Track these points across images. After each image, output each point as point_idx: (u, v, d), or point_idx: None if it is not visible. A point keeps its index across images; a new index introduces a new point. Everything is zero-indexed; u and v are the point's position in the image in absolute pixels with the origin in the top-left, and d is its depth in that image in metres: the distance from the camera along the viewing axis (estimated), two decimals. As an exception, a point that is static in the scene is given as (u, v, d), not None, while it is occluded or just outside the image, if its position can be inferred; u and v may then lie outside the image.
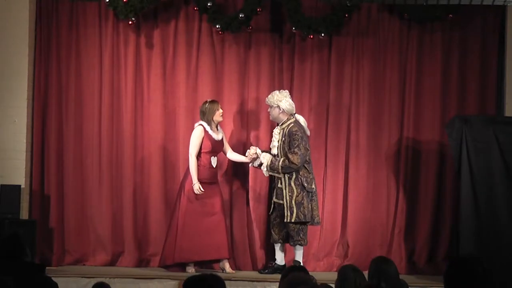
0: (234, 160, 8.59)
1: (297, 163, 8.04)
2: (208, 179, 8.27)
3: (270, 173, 8.19)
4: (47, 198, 8.83)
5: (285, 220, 8.08)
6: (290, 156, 8.05)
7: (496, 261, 7.54)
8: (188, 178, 8.27)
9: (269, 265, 8.55)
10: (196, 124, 8.35)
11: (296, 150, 8.05)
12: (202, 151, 8.27)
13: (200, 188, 8.13)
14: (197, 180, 8.15)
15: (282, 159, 8.10)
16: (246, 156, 8.37)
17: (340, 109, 9.00)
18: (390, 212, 8.96)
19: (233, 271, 8.35)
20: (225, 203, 8.54)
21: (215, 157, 8.34)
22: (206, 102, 8.36)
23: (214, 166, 8.35)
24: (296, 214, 8.06)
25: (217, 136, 8.33)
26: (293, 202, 8.08)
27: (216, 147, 8.33)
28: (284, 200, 8.11)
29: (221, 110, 8.34)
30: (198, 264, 8.40)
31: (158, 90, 8.92)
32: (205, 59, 8.93)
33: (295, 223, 8.07)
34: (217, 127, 8.36)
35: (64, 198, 8.86)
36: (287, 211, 8.09)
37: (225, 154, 8.52)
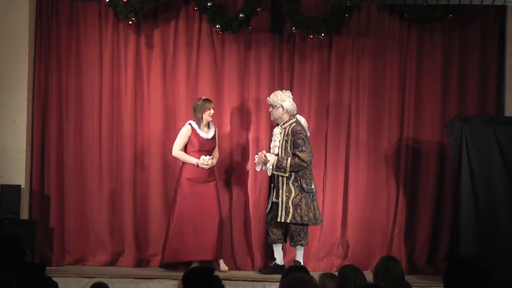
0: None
1: (307, 161, 8.05)
2: (198, 178, 8.25)
3: (275, 172, 8.15)
4: (47, 198, 8.83)
5: (278, 220, 8.07)
6: (300, 154, 8.03)
7: (496, 261, 7.54)
8: (181, 176, 8.27)
9: (269, 265, 8.55)
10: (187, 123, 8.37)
11: (304, 148, 8.05)
12: (190, 150, 8.29)
13: (204, 160, 8.16)
14: (196, 160, 8.18)
15: (290, 157, 8.09)
16: (255, 160, 8.28)
17: (340, 109, 9.00)
18: (390, 212, 8.96)
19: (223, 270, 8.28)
20: (222, 203, 8.51)
21: (207, 156, 8.26)
22: (200, 99, 8.35)
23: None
24: (292, 215, 8.05)
25: (206, 134, 8.32)
26: (290, 202, 8.06)
27: (205, 146, 8.29)
28: (280, 200, 8.11)
29: (212, 111, 8.29)
30: (187, 263, 8.28)
31: (158, 90, 8.92)
32: (205, 59, 8.94)
33: (294, 223, 8.06)
34: (208, 125, 8.33)
35: (64, 198, 8.86)
36: (281, 211, 8.07)
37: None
